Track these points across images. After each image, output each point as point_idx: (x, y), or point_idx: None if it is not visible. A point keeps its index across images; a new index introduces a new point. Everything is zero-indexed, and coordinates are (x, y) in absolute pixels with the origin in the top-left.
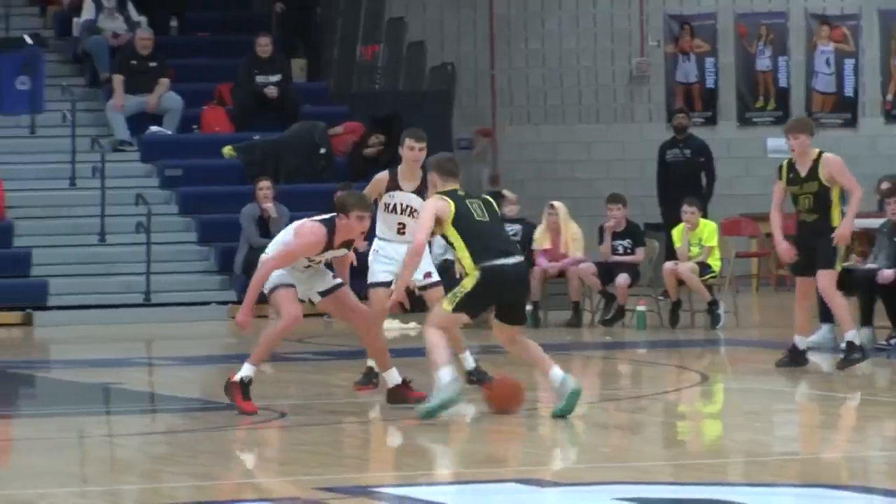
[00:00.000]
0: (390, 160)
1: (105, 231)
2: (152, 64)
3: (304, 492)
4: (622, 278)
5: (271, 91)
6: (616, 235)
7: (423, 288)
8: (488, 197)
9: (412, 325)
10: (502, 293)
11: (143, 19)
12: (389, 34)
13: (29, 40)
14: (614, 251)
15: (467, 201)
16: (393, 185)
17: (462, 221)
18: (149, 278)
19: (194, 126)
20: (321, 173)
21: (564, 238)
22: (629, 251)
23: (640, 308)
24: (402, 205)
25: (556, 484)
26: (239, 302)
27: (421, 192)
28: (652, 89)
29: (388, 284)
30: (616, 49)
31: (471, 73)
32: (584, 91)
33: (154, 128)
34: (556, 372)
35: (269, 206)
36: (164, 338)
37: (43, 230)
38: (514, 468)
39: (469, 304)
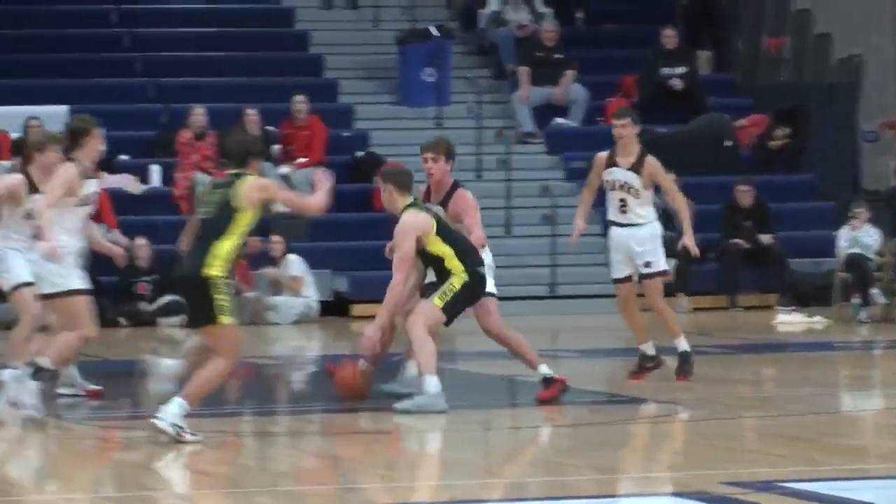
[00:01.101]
0: (797, 152)
1: (511, 223)
2: (557, 56)
3: (711, 486)
4: None
5: (676, 83)
6: None
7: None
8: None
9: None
10: (477, 299)
11: (548, 11)
12: (795, 26)
13: (435, 32)
14: None
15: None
16: (611, 163)
17: (443, 230)
18: (554, 270)
19: (599, 118)
20: (726, 166)
21: None
22: None
23: None
24: (619, 182)
25: None
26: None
27: (637, 168)
28: None
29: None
30: None
31: (877, 64)
32: None
33: (559, 120)
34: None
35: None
36: (568, 330)
37: None
38: None
39: (455, 306)
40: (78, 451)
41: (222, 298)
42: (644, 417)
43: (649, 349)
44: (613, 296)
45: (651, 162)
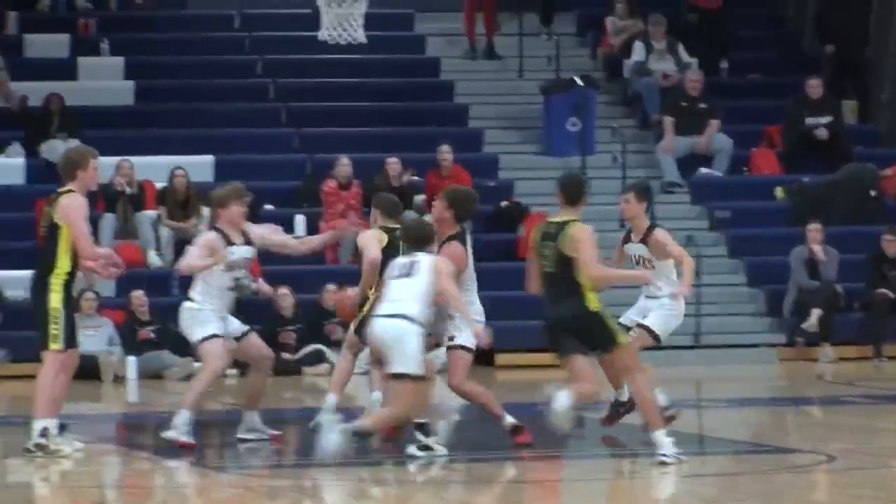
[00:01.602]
0: None
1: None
2: (702, 105)
3: None
4: None
5: (821, 133)
6: None
7: None
8: None
9: None
10: None
11: (693, 61)
12: None
13: (580, 82)
14: None
15: None
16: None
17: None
18: (698, 320)
19: (744, 168)
20: (872, 216)
21: None
22: None
23: None
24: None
25: None
26: (787, 345)
27: (646, 241)
28: None
29: None
30: None
31: None
32: None
33: (704, 169)
34: None
35: (819, 248)
36: (713, 379)
37: None
38: None
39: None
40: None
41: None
42: (789, 467)
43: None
44: (757, 345)
45: (658, 234)
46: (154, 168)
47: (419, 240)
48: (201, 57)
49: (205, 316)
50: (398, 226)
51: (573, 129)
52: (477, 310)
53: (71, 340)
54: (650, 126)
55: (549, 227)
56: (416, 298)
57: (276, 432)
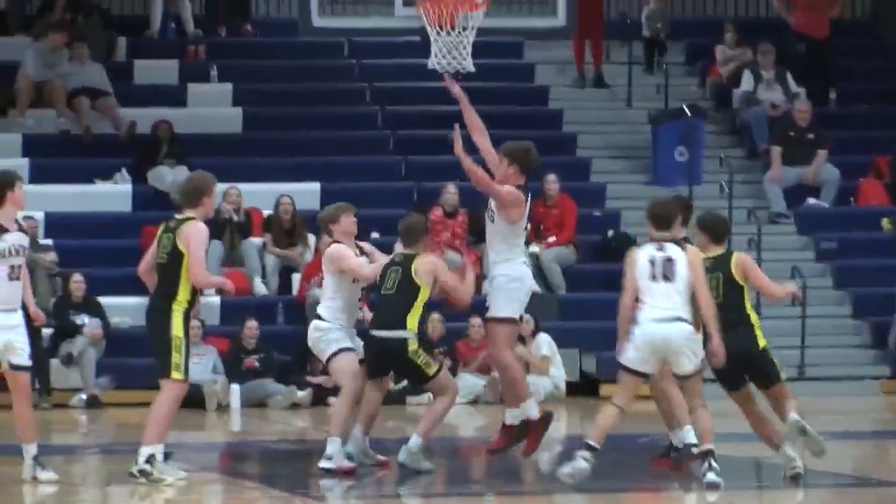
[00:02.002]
0: None
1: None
2: (810, 135)
3: None
4: None
5: None
6: None
7: None
8: None
9: None
10: None
11: (801, 90)
12: None
13: (688, 111)
14: None
15: None
16: None
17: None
18: (803, 352)
19: (851, 198)
20: None
21: None
22: None
23: None
24: None
25: None
26: (892, 377)
27: None
28: None
29: None
30: None
31: None
32: None
33: (811, 200)
34: None
35: None
36: (816, 411)
37: None
38: None
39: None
40: None
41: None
42: (892, 502)
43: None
44: (861, 377)
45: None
46: (260, 195)
47: None
48: (310, 84)
49: (334, 334)
50: None
51: (681, 159)
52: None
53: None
54: (758, 156)
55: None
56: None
57: (382, 458)
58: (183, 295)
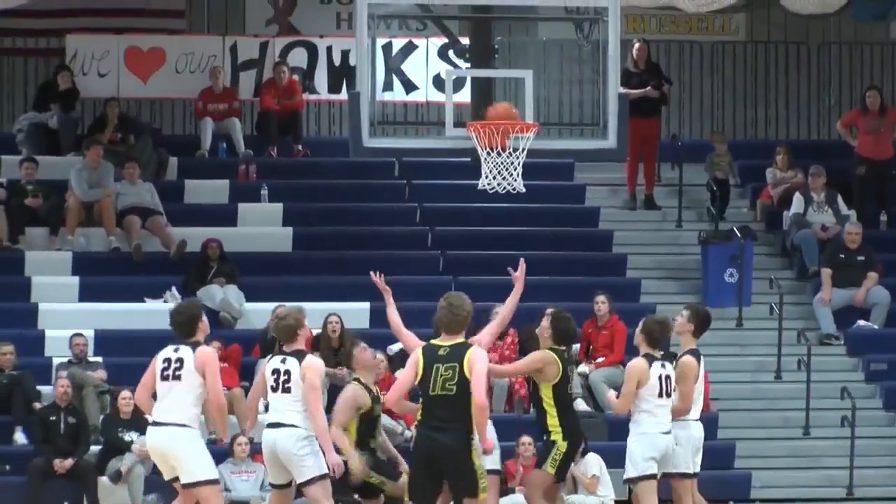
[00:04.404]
0: None
1: (809, 424)
2: (860, 258)
3: None
4: None
5: None
6: None
7: None
8: None
9: None
10: None
11: (851, 213)
12: None
13: (738, 233)
14: None
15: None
16: None
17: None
18: (852, 473)
19: None
20: None
21: None
22: None
23: None
24: None
25: None
26: None
27: None
28: None
29: None
30: None
31: None
32: None
33: (861, 322)
34: None
35: None
36: None
37: (747, 422)
38: None
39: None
40: None
41: None
42: None
43: None
44: None
45: (685, 361)
46: (310, 314)
47: None
48: (360, 203)
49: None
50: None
51: (730, 280)
52: None
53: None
54: (808, 277)
55: None
56: None
57: None
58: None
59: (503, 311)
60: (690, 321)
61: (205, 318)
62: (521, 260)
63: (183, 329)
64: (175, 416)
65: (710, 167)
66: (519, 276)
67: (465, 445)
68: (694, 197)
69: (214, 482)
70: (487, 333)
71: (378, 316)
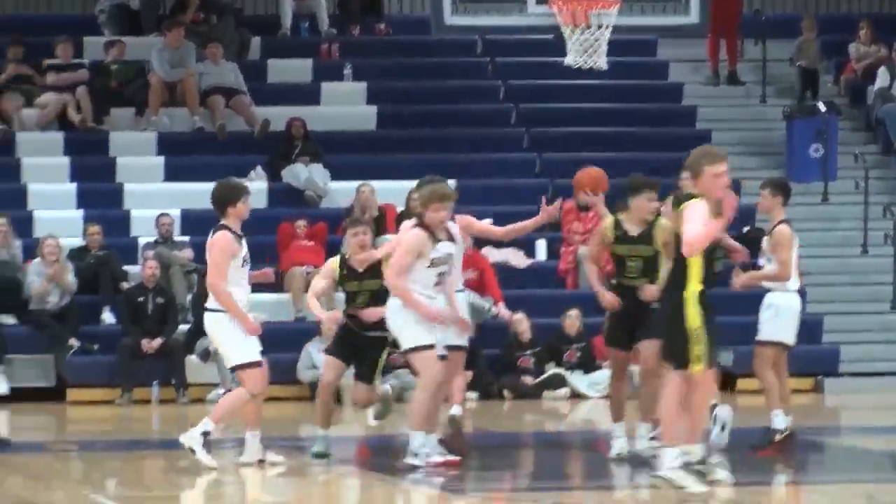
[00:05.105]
0: None
1: None
2: None
3: None
4: None
5: None
6: None
7: None
8: None
9: None
10: None
11: None
12: None
13: (823, 108)
14: None
15: None
16: None
17: None
18: None
19: None
20: None
21: None
22: None
23: None
24: None
25: None
26: None
27: None
28: None
29: None
30: None
31: None
32: None
33: None
34: None
35: None
36: None
37: (834, 297)
38: None
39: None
40: None
41: None
42: None
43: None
44: None
45: (780, 230)
46: (394, 192)
47: None
48: (443, 82)
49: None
50: None
51: (815, 156)
52: None
53: None
54: (893, 152)
55: None
56: None
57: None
58: None
59: (512, 227)
60: (775, 194)
61: (242, 203)
62: (560, 200)
63: (216, 209)
64: (210, 301)
65: (798, 54)
66: (551, 210)
67: None
68: (777, 73)
69: (248, 366)
70: (481, 224)
71: (463, 194)
